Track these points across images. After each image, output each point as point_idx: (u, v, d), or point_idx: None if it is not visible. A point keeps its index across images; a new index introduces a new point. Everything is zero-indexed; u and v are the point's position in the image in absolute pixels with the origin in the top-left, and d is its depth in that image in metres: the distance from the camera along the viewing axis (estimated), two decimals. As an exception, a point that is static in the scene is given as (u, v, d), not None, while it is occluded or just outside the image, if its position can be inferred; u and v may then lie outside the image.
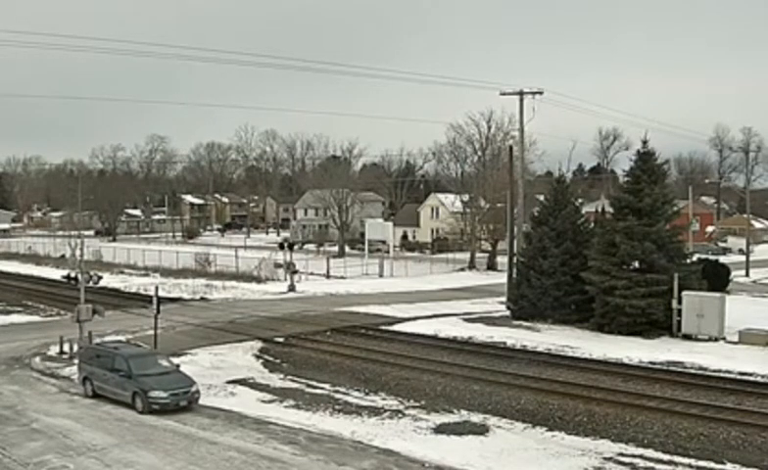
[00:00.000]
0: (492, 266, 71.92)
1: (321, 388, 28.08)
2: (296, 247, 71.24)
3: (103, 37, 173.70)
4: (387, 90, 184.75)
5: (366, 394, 27.30)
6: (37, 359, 32.07)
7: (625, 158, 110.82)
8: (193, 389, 24.61)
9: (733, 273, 51.30)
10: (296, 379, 29.60)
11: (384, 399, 26.48)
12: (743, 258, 70.58)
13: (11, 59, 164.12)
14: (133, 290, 55.45)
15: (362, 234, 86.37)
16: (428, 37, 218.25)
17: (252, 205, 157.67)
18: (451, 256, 79.27)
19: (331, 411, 24.81)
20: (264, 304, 48.73)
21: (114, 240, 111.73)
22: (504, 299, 44.47)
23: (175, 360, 27.72)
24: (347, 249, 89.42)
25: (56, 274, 53.99)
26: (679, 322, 34.98)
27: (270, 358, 33.37)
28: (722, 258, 58.00)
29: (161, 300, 32.63)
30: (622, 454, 20.56)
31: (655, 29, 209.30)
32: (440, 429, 22.90)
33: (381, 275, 67.57)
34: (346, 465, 19.10)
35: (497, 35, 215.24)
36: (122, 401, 24.44)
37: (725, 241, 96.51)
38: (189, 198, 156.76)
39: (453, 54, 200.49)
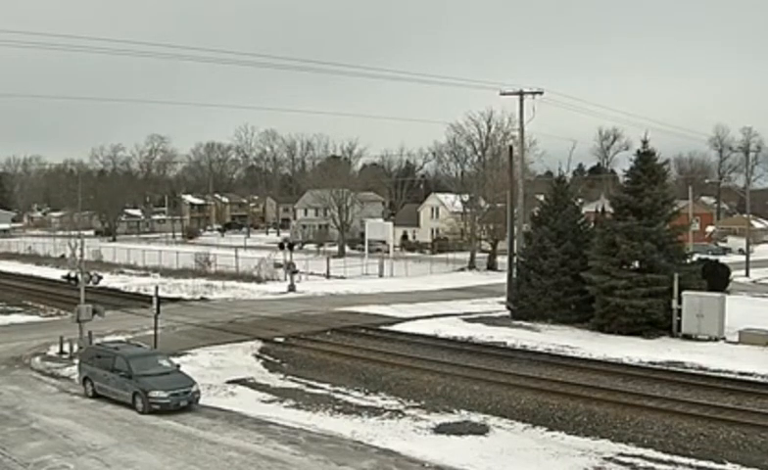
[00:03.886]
0: (492, 266, 71.91)
1: (321, 388, 28.09)
2: (296, 247, 71.24)
3: (103, 37, 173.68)
4: (387, 90, 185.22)
5: (366, 394, 27.32)
6: (37, 359, 32.07)
7: (625, 158, 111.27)
8: (193, 389, 24.62)
9: (733, 273, 51.28)
10: (296, 379, 29.61)
11: (384, 399, 26.50)
12: (743, 257, 70.56)
13: (11, 59, 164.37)
14: (133, 290, 55.47)
15: (362, 234, 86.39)
16: (428, 37, 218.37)
17: (252, 205, 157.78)
18: (451, 256, 79.22)
19: (331, 411, 24.82)
20: (263, 304, 48.73)
21: (114, 240, 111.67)
22: (504, 299, 44.50)
23: (175, 360, 27.72)
24: (347, 249, 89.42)
25: (56, 274, 54.00)
26: (679, 322, 34.99)
27: (270, 358, 33.37)
28: (722, 258, 58.00)
29: (161, 300, 32.61)
30: (622, 454, 20.57)
31: (655, 29, 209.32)
32: (440, 429, 22.91)
33: (381, 275, 67.58)
34: (346, 465, 19.10)
35: (497, 35, 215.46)
36: (123, 402, 24.46)
37: (725, 241, 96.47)
38: (189, 198, 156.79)
39: (453, 54, 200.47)
